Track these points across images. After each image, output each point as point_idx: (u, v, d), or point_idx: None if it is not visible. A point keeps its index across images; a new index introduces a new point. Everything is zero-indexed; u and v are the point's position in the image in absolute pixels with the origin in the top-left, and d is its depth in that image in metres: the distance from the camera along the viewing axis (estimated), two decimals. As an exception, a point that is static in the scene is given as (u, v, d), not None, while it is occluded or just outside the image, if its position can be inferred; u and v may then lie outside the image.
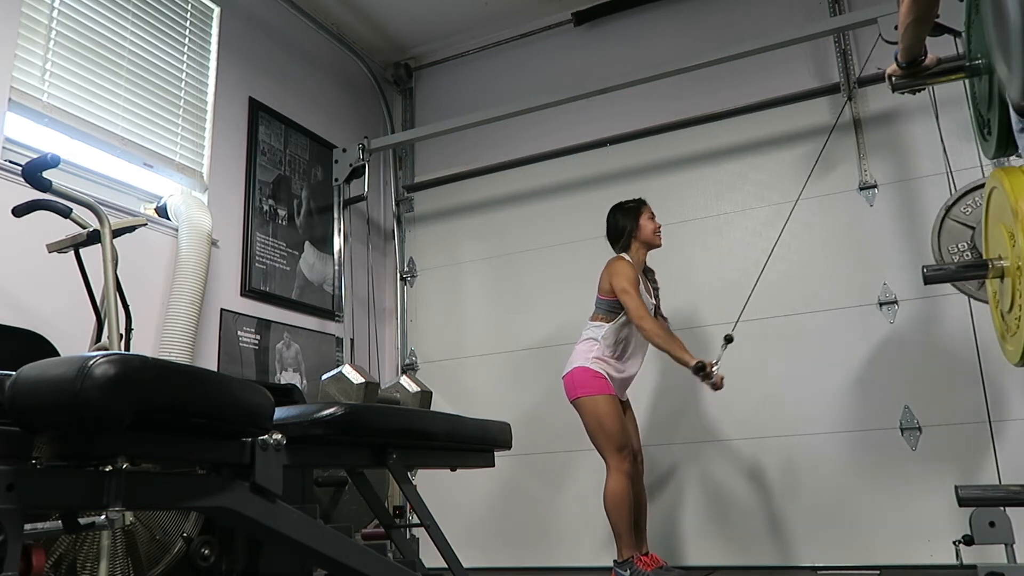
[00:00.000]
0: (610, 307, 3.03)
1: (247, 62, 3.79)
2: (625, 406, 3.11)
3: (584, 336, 3.06)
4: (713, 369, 2.86)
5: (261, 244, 3.70)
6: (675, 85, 3.83)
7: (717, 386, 2.92)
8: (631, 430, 3.07)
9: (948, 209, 2.60)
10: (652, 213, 3.18)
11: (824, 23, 3.55)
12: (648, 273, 3.22)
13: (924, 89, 1.88)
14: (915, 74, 1.73)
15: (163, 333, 2.99)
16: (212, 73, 3.58)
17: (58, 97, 2.83)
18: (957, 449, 3.19)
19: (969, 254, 2.53)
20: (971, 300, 3.17)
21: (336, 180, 4.19)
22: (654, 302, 3.18)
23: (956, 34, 1.81)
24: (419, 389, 2.36)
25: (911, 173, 3.51)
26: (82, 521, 1.19)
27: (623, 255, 3.12)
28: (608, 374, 2.98)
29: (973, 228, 2.53)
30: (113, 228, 2.30)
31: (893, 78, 1.79)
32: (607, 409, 2.93)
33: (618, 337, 3.02)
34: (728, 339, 2.97)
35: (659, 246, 3.17)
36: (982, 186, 2.56)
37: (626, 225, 3.14)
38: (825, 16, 3.74)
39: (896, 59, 1.75)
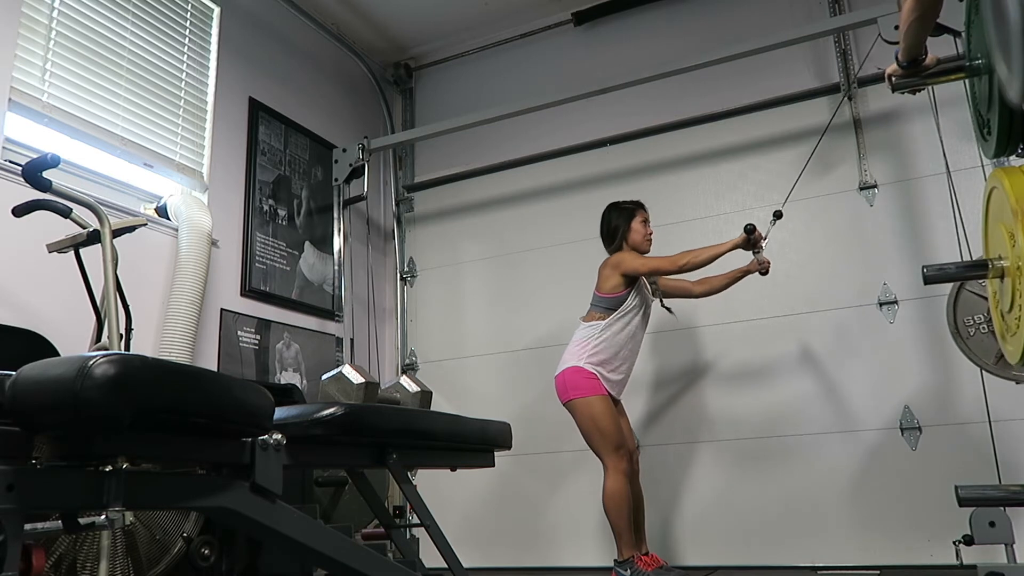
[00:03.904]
0: (610, 304, 3.02)
1: (247, 62, 3.79)
2: (618, 405, 3.09)
3: (576, 337, 3.04)
4: (763, 242, 2.87)
5: (261, 244, 3.70)
6: (675, 85, 3.83)
7: (763, 264, 2.96)
8: (625, 429, 3.06)
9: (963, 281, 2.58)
10: (647, 218, 3.17)
11: (824, 23, 3.55)
12: None
13: (924, 89, 1.88)
14: (915, 74, 1.73)
15: (163, 333, 2.99)
16: (212, 73, 3.58)
17: (58, 97, 2.83)
18: (957, 449, 3.19)
19: (985, 327, 2.49)
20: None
21: (336, 180, 4.19)
22: (652, 298, 3.17)
23: (956, 34, 1.81)
24: (419, 389, 2.36)
25: (911, 173, 3.51)
26: (82, 521, 1.18)
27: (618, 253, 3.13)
28: (602, 374, 2.96)
29: (987, 299, 2.51)
30: (113, 228, 2.30)
31: (893, 78, 1.79)
32: (602, 409, 2.91)
33: (615, 336, 3.00)
34: (778, 215, 2.96)
35: (646, 252, 3.17)
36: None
37: (619, 225, 3.14)
38: (825, 16, 3.74)
39: (896, 59, 1.74)
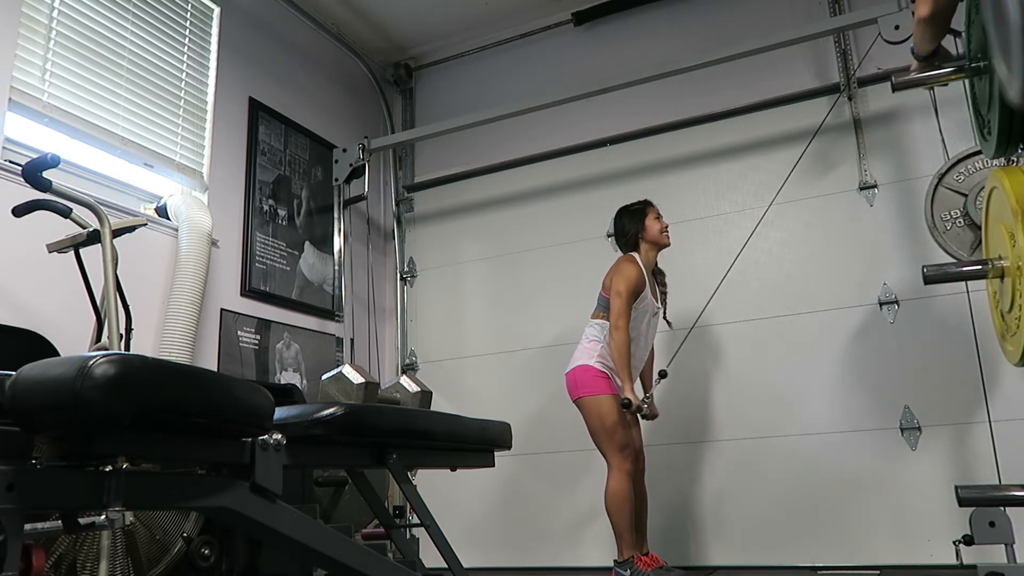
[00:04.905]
0: (608, 306, 3.03)
1: (247, 62, 3.79)
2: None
3: (588, 335, 3.07)
4: (644, 404, 2.94)
5: (261, 244, 3.70)
6: (675, 85, 3.83)
7: (650, 417, 3.06)
8: (633, 429, 3.08)
9: (941, 177, 2.60)
10: (659, 213, 3.19)
11: (824, 23, 3.55)
12: (657, 276, 3.22)
13: (947, 83, 1.85)
14: (932, 66, 1.70)
15: (163, 333, 2.99)
16: (212, 73, 3.58)
17: (58, 97, 2.83)
18: (957, 449, 3.19)
19: (961, 221, 2.53)
20: (971, 301, 3.18)
21: (336, 180, 4.19)
22: (659, 306, 3.18)
23: (956, 34, 1.81)
24: (419, 389, 2.36)
25: (911, 173, 3.51)
26: (82, 521, 1.18)
27: (633, 254, 3.12)
28: (612, 373, 2.98)
29: (966, 195, 2.53)
30: (113, 228, 2.30)
31: (894, 77, 1.78)
32: (610, 408, 2.93)
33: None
34: (662, 374, 3.07)
35: (667, 245, 3.18)
36: (975, 154, 2.56)
37: (632, 228, 3.15)
38: (825, 16, 3.74)
39: (913, 53, 1.72)
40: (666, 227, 3.17)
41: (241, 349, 3.48)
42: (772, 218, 3.69)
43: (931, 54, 1.69)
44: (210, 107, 3.54)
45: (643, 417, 3.04)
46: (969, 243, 2.48)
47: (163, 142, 3.26)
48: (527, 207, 4.34)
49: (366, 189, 4.19)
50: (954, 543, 2.43)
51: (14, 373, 1.19)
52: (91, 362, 1.12)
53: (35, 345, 2.24)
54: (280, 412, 1.65)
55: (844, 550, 3.28)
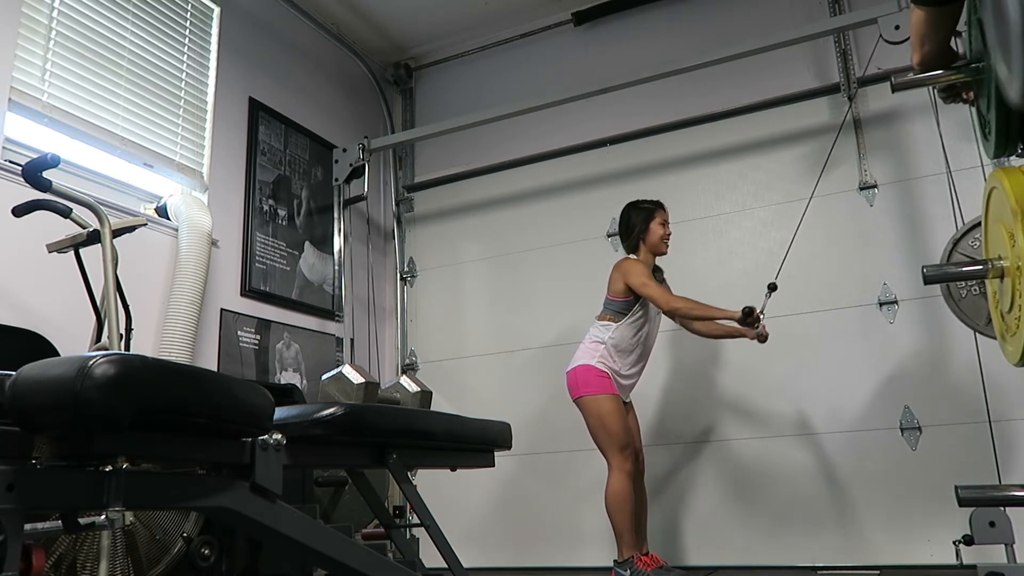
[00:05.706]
0: (619, 308, 3.03)
1: (247, 62, 3.79)
2: (627, 405, 3.11)
3: (591, 335, 3.06)
4: (760, 316, 2.83)
5: (261, 244, 3.70)
6: (675, 85, 3.83)
7: (763, 336, 2.91)
8: (633, 429, 3.08)
9: (955, 243, 2.56)
10: (666, 219, 3.16)
11: (824, 23, 3.55)
12: (656, 273, 3.22)
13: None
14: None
15: (163, 333, 2.99)
16: (212, 73, 3.58)
17: (58, 97, 2.83)
18: (957, 449, 3.19)
19: (976, 288, 2.48)
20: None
21: (336, 180, 4.19)
22: None
23: (956, 34, 1.81)
24: (419, 389, 2.36)
25: (911, 173, 3.51)
26: (82, 521, 1.18)
27: (632, 256, 3.12)
28: (613, 374, 2.98)
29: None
30: (113, 228, 2.30)
31: (893, 77, 1.78)
32: (610, 408, 2.92)
33: (625, 340, 3.01)
34: (772, 287, 2.89)
35: (663, 254, 3.16)
36: None
37: (636, 224, 3.13)
38: (825, 16, 3.74)
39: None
40: (667, 235, 3.14)
41: (241, 349, 3.48)
42: (772, 218, 3.70)
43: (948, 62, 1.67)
44: (210, 107, 3.54)
45: (758, 336, 2.88)
46: (985, 312, 2.42)
47: (163, 142, 3.26)
48: (527, 207, 4.34)
49: (366, 189, 4.19)
50: (954, 543, 2.43)
51: (14, 373, 1.19)
52: (91, 362, 1.12)
53: (35, 345, 2.24)
54: (280, 412, 1.65)
55: (844, 550, 3.28)
